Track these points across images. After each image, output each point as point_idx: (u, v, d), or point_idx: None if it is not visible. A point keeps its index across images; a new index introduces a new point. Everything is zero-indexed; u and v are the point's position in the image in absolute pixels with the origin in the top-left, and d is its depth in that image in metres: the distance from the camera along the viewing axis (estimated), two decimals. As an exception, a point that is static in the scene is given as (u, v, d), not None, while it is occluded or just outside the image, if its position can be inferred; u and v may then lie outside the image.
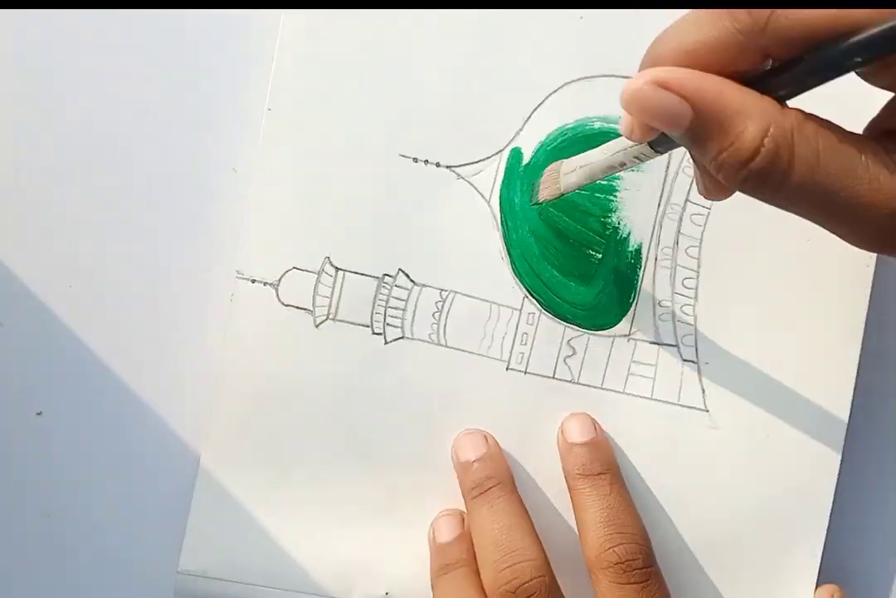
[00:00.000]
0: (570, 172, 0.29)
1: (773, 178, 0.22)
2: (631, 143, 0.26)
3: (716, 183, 0.25)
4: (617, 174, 0.32)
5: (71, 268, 0.33)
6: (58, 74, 0.33)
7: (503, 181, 0.33)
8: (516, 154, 0.33)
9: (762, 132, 0.22)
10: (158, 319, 0.33)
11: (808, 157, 0.22)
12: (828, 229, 0.24)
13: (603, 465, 0.32)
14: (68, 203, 0.33)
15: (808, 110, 0.23)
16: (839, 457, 0.33)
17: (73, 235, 0.33)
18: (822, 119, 0.23)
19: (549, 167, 0.31)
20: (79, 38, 0.32)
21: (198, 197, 0.33)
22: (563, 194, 0.30)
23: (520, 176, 0.33)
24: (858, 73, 0.23)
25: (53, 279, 0.33)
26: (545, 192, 0.31)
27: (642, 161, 0.26)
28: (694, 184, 0.31)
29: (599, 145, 0.28)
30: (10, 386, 0.33)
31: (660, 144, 0.25)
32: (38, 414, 0.33)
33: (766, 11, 0.21)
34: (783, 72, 0.22)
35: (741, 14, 0.22)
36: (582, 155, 0.29)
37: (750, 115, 0.22)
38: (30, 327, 0.33)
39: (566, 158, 0.32)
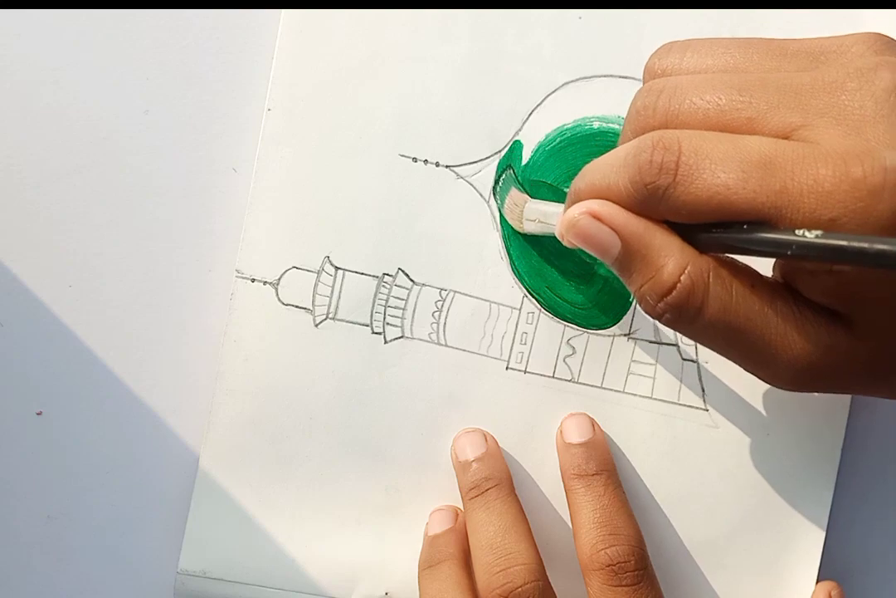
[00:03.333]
0: (531, 220, 0.31)
1: (687, 312, 0.24)
2: None
3: None
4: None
5: (71, 268, 0.33)
6: (57, 74, 0.33)
7: (502, 181, 0.33)
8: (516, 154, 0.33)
9: (680, 269, 0.24)
10: (158, 318, 0.33)
11: (722, 297, 0.24)
12: (743, 368, 0.26)
13: (599, 465, 0.32)
14: (68, 203, 0.33)
15: None
16: (839, 457, 0.33)
17: (72, 235, 0.33)
18: (739, 264, 0.25)
19: (515, 195, 0.32)
20: (78, 38, 0.33)
21: (198, 197, 0.33)
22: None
23: (519, 176, 0.33)
24: None
25: (53, 279, 0.33)
26: (510, 218, 0.32)
27: None
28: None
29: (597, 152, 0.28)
30: (10, 386, 0.33)
31: None
32: (38, 414, 0.33)
33: (662, 188, 0.23)
34: (700, 230, 0.24)
35: (639, 186, 0.24)
36: (545, 205, 0.31)
37: (670, 253, 0.24)
38: (30, 327, 0.33)
39: (564, 158, 0.32)
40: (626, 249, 0.25)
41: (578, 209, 0.25)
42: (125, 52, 0.33)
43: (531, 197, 0.32)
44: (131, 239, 0.33)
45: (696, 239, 0.24)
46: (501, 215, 0.33)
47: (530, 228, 0.31)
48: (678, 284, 0.24)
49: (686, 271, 0.24)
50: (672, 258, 0.24)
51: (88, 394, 0.33)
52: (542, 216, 0.30)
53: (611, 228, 0.25)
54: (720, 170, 0.23)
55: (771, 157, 0.22)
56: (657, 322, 0.33)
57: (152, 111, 0.33)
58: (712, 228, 0.24)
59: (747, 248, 0.23)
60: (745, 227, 0.23)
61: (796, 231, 0.22)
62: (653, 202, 0.24)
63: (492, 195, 0.33)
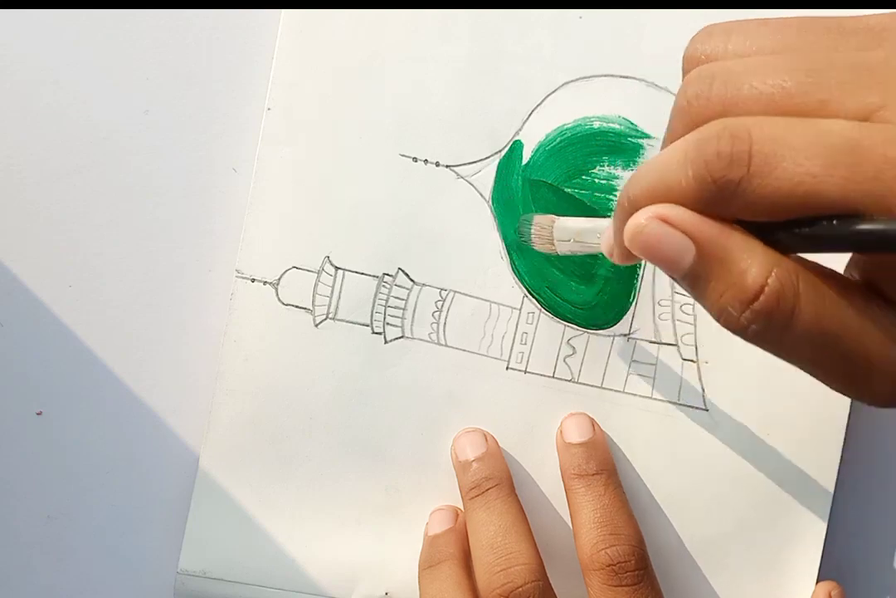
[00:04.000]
0: (564, 240, 0.30)
1: (778, 320, 0.21)
2: None
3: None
4: (617, 174, 0.32)
5: (71, 268, 0.33)
6: (57, 74, 0.33)
7: (503, 181, 0.33)
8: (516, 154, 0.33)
9: (766, 272, 0.21)
10: (158, 318, 0.33)
11: (815, 300, 0.21)
12: (830, 384, 0.23)
13: (599, 465, 0.32)
14: (68, 203, 0.33)
15: None
16: (839, 456, 0.33)
17: (72, 235, 0.33)
18: (824, 267, 0.22)
19: (540, 218, 0.32)
20: (78, 38, 0.33)
21: (198, 197, 0.33)
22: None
23: (519, 176, 0.33)
24: None
25: (53, 279, 0.33)
26: (539, 245, 0.32)
27: None
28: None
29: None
30: (10, 386, 0.33)
31: None
32: (39, 414, 0.33)
33: (734, 182, 0.20)
34: (779, 229, 0.21)
35: (706, 182, 0.21)
36: (576, 222, 0.30)
37: (753, 255, 0.21)
38: (30, 327, 0.33)
39: (565, 158, 0.32)
40: (702, 254, 0.21)
41: (644, 214, 0.22)
42: (125, 52, 0.33)
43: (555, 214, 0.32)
44: (131, 239, 0.33)
45: (776, 240, 0.21)
46: (500, 219, 0.33)
47: (565, 248, 0.30)
48: (766, 288, 0.21)
49: (773, 274, 0.21)
50: (756, 261, 0.21)
51: (88, 394, 0.33)
52: (576, 235, 0.29)
53: (683, 232, 0.21)
54: (802, 156, 0.20)
55: (857, 139, 0.20)
56: (657, 322, 0.33)
57: (152, 111, 0.33)
58: (794, 226, 0.21)
59: (841, 246, 0.20)
60: (834, 222, 0.20)
61: None
62: (723, 200, 0.21)
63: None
